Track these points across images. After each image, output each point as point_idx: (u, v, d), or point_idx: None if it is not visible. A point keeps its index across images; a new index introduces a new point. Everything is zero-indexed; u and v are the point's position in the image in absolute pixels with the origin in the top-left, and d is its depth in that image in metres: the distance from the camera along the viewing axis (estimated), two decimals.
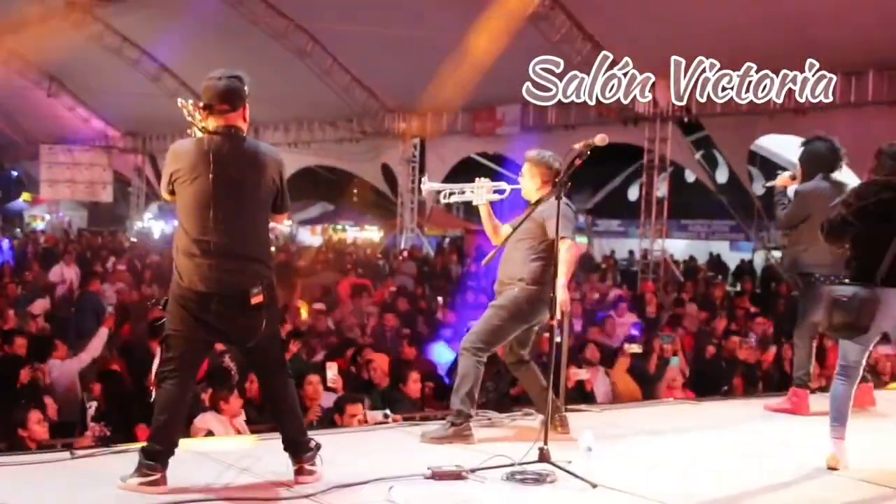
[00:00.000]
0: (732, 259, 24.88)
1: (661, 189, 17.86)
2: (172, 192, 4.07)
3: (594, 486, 4.27)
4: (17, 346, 8.10)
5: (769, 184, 6.57)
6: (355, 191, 32.08)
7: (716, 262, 24.36)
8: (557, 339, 4.81)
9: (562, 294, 4.84)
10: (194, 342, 4.07)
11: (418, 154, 21.88)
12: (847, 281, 4.75)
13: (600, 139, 4.69)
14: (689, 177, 21.95)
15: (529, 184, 5.34)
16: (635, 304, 13.22)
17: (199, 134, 4.05)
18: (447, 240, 27.00)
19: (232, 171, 4.00)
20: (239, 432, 6.10)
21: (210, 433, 5.86)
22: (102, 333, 8.50)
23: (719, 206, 19.86)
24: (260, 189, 4.07)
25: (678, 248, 24.48)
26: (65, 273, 14.79)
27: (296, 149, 23.51)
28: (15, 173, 36.46)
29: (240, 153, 4.05)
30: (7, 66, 25.33)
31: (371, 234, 30.41)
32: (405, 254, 20.54)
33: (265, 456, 4.52)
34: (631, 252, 23.22)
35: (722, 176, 21.33)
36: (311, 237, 31.59)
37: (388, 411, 6.48)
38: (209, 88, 4.04)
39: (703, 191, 20.69)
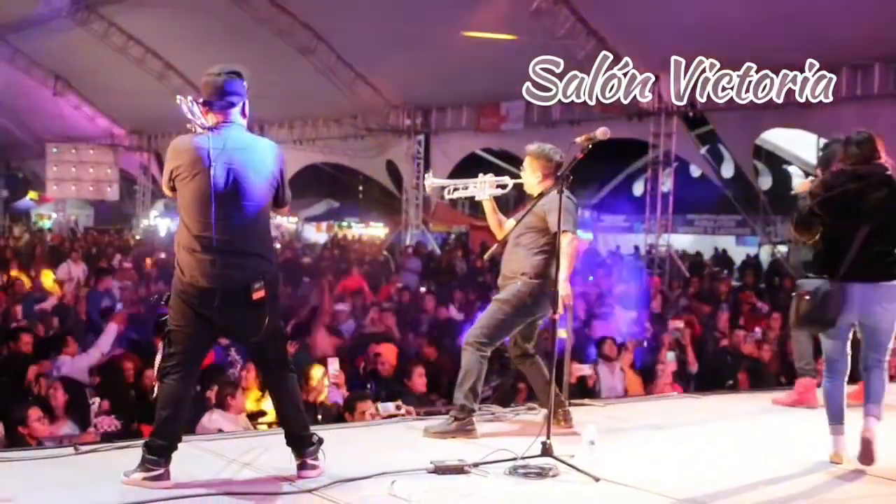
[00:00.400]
0: (738, 254, 24.80)
1: (667, 184, 17.80)
2: (174, 189, 4.09)
3: (597, 480, 4.28)
4: (23, 344, 8.12)
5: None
6: (360, 188, 32.10)
7: (722, 257, 24.27)
8: (563, 335, 4.81)
9: (564, 288, 4.85)
10: (196, 337, 4.08)
11: (423, 150, 21.84)
12: (811, 275, 4.72)
13: (602, 132, 4.70)
14: (695, 171, 21.87)
15: (531, 178, 5.34)
16: (641, 300, 13.16)
17: (200, 130, 4.06)
18: (452, 236, 26.99)
19: (232, 166, 4.01)
20: (245, 428, 6.11)
21: (220, 432, 5.86)
22: (111, 330, 8.51)
23: (725, 200, 19.78)
24: (260, 184, 4.08)
25: (684, 243, 24.40)
26: (72, 271, 14.85)
27: (300, 146, 23.50)
28: (20, 175, 36.58)
29: (240, 148, 4.05)
30: (13, 64, 25.44)
31: (376, 230, 30.44)
32: (410, 250, 20.53)
33: (268, 451, 4.53)
34: (636, 247, 23.15)
35: (727, 170, 21.22)
36: (316, 234, 31.63)
37: (399, 402, 6.47)
38: (208, 84, 4.05)
39: (708, 185, 20.60)
